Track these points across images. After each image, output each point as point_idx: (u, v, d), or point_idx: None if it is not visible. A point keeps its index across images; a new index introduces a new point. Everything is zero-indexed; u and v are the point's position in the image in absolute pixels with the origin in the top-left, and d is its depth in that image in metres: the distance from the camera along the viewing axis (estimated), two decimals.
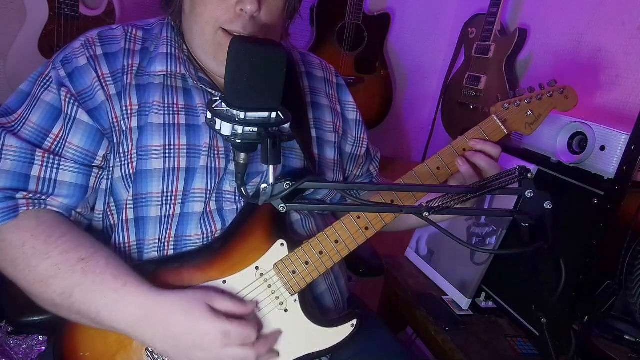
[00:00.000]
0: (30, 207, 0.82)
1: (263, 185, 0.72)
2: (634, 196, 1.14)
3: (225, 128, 0.73)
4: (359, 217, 0.88)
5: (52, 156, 0.84)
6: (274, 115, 0.74)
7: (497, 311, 1.42)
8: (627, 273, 1.16)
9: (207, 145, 0.88)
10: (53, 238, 0.79)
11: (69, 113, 0.85)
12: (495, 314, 1.41)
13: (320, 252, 0.87)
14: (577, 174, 1.25)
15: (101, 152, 0.86)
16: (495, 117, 0.94)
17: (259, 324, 0.84)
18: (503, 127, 0.94)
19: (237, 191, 0.90)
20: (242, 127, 0.73)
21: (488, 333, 1.33)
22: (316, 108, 1.05)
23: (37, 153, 0.83)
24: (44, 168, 0.83)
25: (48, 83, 0.86)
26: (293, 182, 0.71)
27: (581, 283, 1.18)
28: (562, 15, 1.80)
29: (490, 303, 1.44)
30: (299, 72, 1.06)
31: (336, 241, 0.87)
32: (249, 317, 0.82)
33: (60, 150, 0.84)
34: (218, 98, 0.76)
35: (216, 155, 0.89)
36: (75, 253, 0.78)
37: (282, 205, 0.71)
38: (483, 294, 1.45)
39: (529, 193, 0.72)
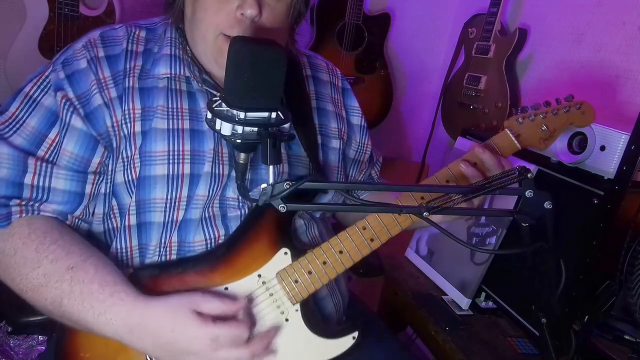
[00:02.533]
0: (24, 215, 0.81)
1: (263, 185, 0.71)
2: (634, 196, 1.14)
3: (225, 128, 0.73)
4: (364, 228, 0.86)
5: (44, 164, 0.83)
6: (274, 115, 0.74)
7: (497, 311, 1.42)
8: (627, 273, 1.16)
9: (212, 152, 0.87)
10: (44, 246, 0.78)
11: (64, 119, 0.83)
12: (495, 314, 1.41)
13: (324, 262, 0.85)
14: (577, 174, 1.25)
15: (96, 159, 0.85)
16: (508, 132, 0.91)
17: (252, 321, 0.83)
18: (516, 142, 0.91)
19: (239, 197, 0.90)
20: (242, 127, 0.73)
21: (488, 333, 1.33)
22: (321, 114, 1.04)
23: (29, 161, 0.82)
24: (36, 176, 0.82)
25: (47, 86, 0.85)
26: (293, 182, 0.70)
27: (581, 283, 1.18)
28: (562, 15, 1.80)
29: (490, 303, 1.44)
30: (304, 76, 1.05)
31: (340, 252, 0.86)
32: (241, 314, 0.80)
33: (55, 158, 0.83)
34: (218, 98, 0.76)
35: (220, 162, 0.88)
36: (65, 261, 0.77)
37: (282, 205, 0.71)
38: (483, 294, 1.45)
39: (529, 193, 0.72)
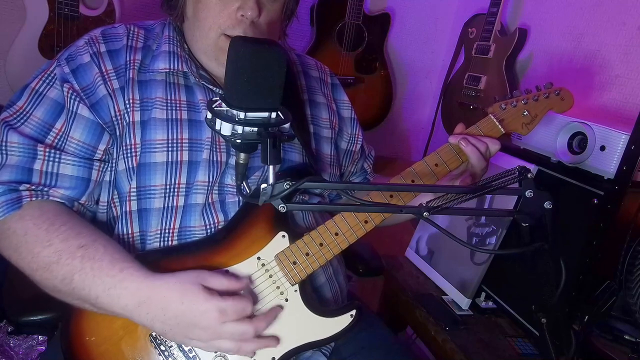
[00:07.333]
0: (33, 198, 0.84)
1: (263, 185, 0.72)
2: (634, 196, 1.14)
3: (225, 128, 0.73)
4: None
5: (53, 150, 0.86)
6: (274, 115, 0.74)
7: (497, 311, 1.42)
8: (627, 273, 1.16)
9: (210, 140, 0.91)
10: (55, 226, 0.81)
11: (71, 108, 0.87)
12: (495, 314, 1.41)
13: (321, 244, 0.88)
14: (577, 174, 1.25)
15: (102, 146, 0.88)
16: (492, 117, 0.96)
17: (253, 299, 0.84)
18: (500, 127, 0.96)
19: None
20: (242, 127, 0.73)
21: (488, 333, 1.33)
22: (313, 105, 1.07)
23: (38, 148, 0.85)
24: (45, 162, 0.85)
25: (53, 80, 0.88)
26: (293, 182, 0.71)
27: (581, 283, 1.18)
28: (562, 15, 1.80)
29: (490, 303, 1.44)
30: (296, 71, 1.08)
31: (336, 234, 0.89)
32: (243, 291, 0.82)
33: (62, 145, 0.87)
34: (218, 98, 0.76)
35: (218, 150, 0.91)
36: (76, 240, 0.80)
37: (282, 205, 0.71)
38: (483, 294, 1.45)
39: (529, 193, 0.72)
